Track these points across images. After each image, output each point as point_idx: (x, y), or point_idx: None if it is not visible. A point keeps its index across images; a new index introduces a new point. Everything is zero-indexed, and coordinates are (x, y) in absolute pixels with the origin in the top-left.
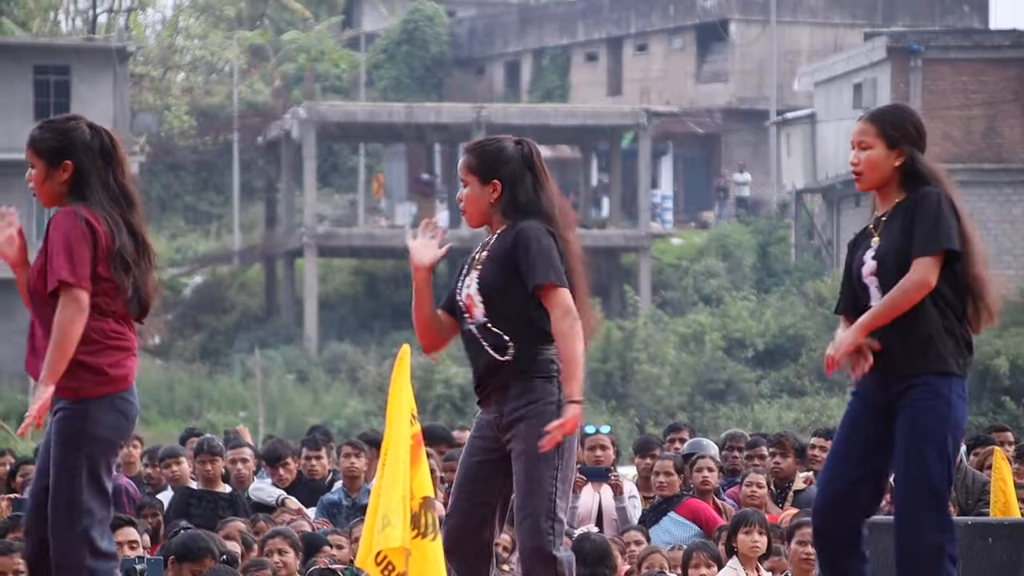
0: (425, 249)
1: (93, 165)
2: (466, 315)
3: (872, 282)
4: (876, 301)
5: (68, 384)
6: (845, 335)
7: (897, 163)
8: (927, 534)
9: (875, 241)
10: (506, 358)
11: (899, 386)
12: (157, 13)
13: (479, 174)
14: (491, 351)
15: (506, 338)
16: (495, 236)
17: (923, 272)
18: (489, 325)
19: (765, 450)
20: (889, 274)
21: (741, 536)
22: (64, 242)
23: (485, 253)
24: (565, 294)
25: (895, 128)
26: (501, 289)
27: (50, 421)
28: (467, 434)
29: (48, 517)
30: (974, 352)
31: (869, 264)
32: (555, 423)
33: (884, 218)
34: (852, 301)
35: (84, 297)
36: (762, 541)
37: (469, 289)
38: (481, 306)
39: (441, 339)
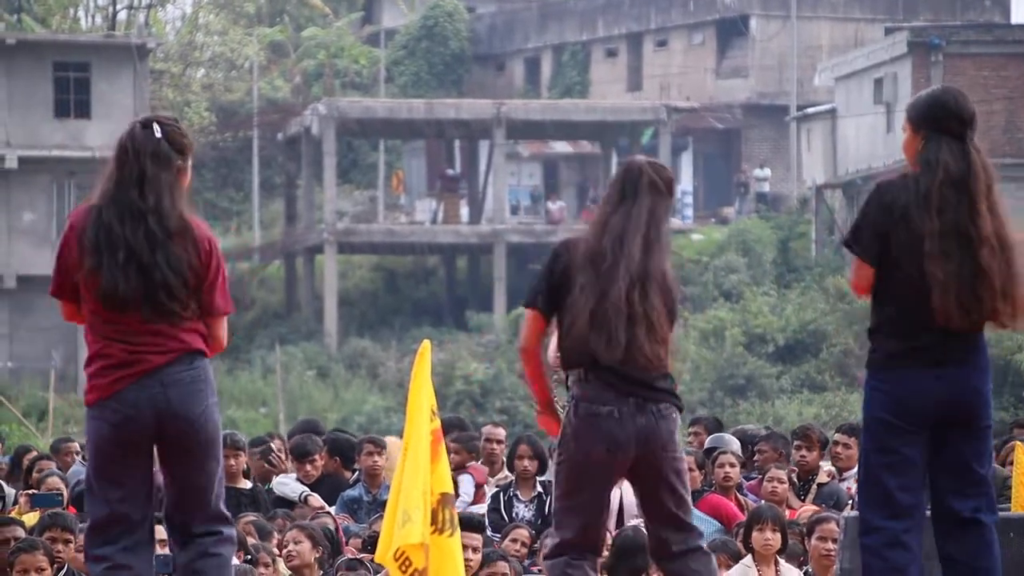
0: None
1: None
2: None
3: None
4: None
5: None
6: None
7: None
8: None
9: None
10: None
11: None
12: (177, 9)
13: None
14: None
15: None
16: None
17: None
18: None
19: (766, 445)
20: None
21: (755, 534)
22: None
23: None
24: None
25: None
26: None
27: None
28: (500, 430)
29: None
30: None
31: None
32: None
33: None
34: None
35: None
36: (775, 538)
37: None
38: None
39: None
